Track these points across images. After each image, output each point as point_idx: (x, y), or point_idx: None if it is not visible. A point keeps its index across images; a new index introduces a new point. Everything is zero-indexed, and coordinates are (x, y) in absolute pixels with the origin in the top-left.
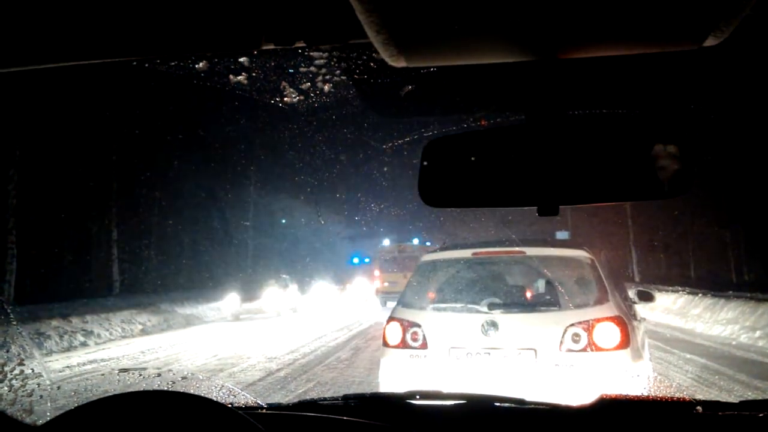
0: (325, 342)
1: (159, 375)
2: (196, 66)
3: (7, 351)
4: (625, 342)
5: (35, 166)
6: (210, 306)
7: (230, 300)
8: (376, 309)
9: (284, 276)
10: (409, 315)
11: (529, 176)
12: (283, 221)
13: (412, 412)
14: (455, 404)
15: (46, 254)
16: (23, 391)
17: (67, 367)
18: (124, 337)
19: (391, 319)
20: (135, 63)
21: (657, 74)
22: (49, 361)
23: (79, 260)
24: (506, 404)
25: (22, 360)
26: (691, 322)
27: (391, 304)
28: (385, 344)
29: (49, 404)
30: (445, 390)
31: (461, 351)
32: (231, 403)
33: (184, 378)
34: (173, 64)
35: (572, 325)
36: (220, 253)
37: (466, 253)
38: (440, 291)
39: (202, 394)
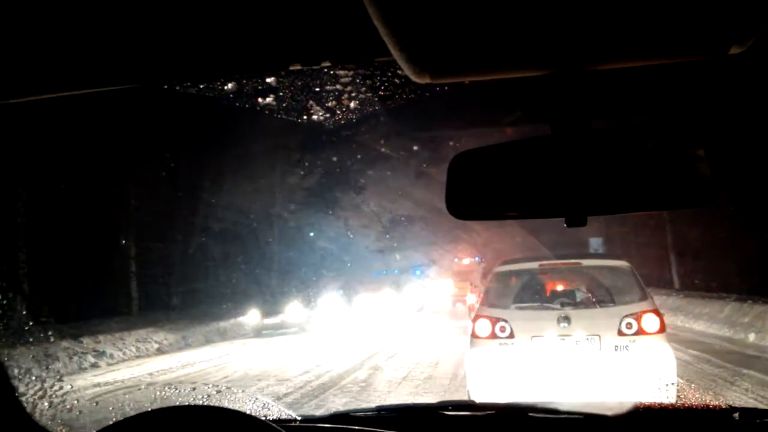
0: (343, 361)
1: (194, 389)
2: (225, 87)
3: (47, 368)
4: (663, 327)
5: (49, 182)
6: (231, 322)
7: (252, 315)
8: (401, 323)
9: (309, 290)
10: (495, 313)
11: (557, 187)
12: (311, 235)
13: (445, 423)
14: (488, 414)
15: (61, 273)
16: (63, 407)
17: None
18: (138, 357)
19: (478, 316)
20: (167, 87)
21: (682, 82)
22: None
23: (96, 278)
24: (540, 414)
25: (61, 376)
26: (740, 332)
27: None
28: (475, 336)
29: (87, 419)
30: (479, 400)
31: (541, 339)
32: (265, 416)
33: (218, 392)
34: (202, 86)
35: (626, 316)
36: (243, 269)
37: (534, 265)
38: (519, 293)
39: (237, 407)
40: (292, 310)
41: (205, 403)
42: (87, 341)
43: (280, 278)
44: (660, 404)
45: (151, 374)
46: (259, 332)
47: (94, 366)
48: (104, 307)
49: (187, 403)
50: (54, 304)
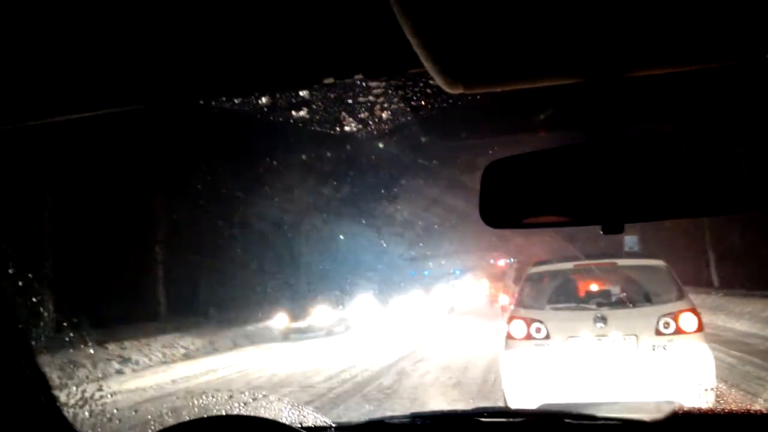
0: (369, 366)
1: (231, 397)
2: (260, 101)
3: (88, 377)
4: (701, 326)
5: (76, 186)
6: (258, 326)
7: (279, 319)
8: (431, 326)
9: (336, 293)
10: (530, 314)
11: (592, 195)
12: (341, 242)
13: (480, 430)
14: (524, 421)
15: (88, 280)
16: (102, 416)
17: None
18: (164, 362)
19: (513, 317)
20: (202, 102)
21: (720, 86)
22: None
23: (123, 284)
24: (576, 420)
25: (101, 386)
26: None
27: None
28: (510, 338)
29: (127, 428)
30: (515, 406)
31: (578, 339)
32: (301, 423)
33: (255, 399)
34: (239, 103)
35: (663, 315)
36: (271, 274)
37: (569, 265)
38: (554, 294)
39: (273, 414)
40: (320, 313)
41: (242, 411)
42: (112, 347)
43: (309, 283)
44: (699, 409)
45: (174, 381)
46: (287, 336)
47: (119, 372)
48: (131, 313)
49: (224, 411)
50: (80, 311)
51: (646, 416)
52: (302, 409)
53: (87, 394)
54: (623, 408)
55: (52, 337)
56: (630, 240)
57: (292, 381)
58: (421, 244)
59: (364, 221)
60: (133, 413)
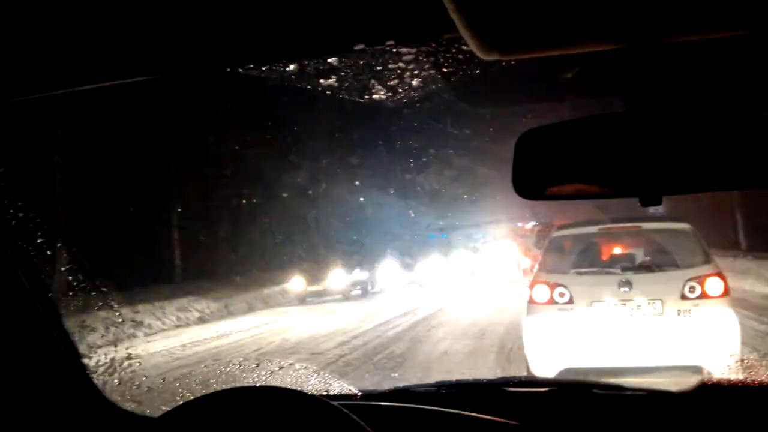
0: (382, 331)
1: (258, 365)
2: (287, 68)
3: (116, 345)
4: (727, 291)
5: (95, 150)
6: (275, 289)
7: (296, 283)
8: (449, 289)
9: (355, 257)
10: (554, 278)
11: (630, 166)
12: (364, 207)
13: (506, 399)
14: (551, 390)
15: (102, 242)
16: (131, 384)
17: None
18: (178, 326)
19: (536, 281)
20: (230, 70)
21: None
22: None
23: (139, 247)
24: (604, 391)
25: (130, 354)
26: None
27: None
28: (533, 302)
29: (156, 396)
30: (541, 376)
31: (602, 304)
32: (327, 391)
33: (281, 368)
34: (265, 68)
35: (689, 279)
36: (290, 238)
37: (593, 229)
38: (577, 258)
39: (300, 383)
40: (337, 277)
41: (269, 380)
42: (125, 311)
43: (328, 248)
44: (729, 380)
45: (184, 346)
46: (303, 300)
47: (132, 336)
48: (147, 276)
49: (251, 381)
50: (93, 273)
51: (673, 387)
52: (327, 376)
53: (116, 362)
54: (650, 382)
55: (62, 299)
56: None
57: (303, 347)
58: (449, 214)
59: (391, 190)
60: (162, 381)
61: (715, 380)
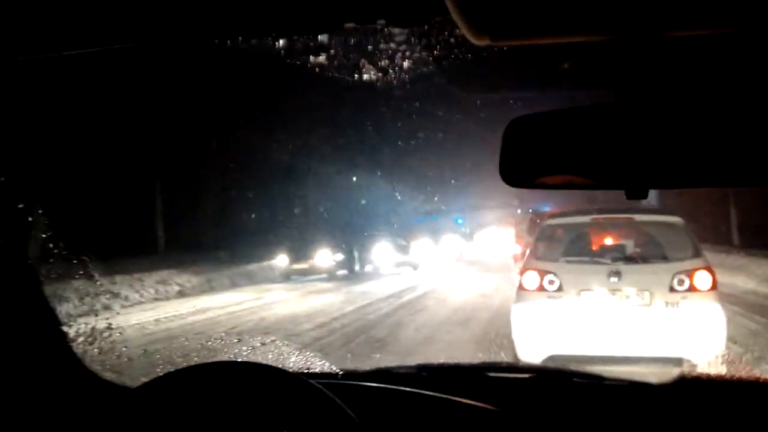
0: (362, 315)
1: (239, 341)
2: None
3: (95, 314)
4: (715, 285)
5: (76, 118)
6: (259, 265)
7: (281, 259)
8: (435, 272)
9: (341, 236)
10: (544, 266)
11: (618, 157)
12: (352, 188)
13: (487, 384)
14: (532, 377)
15: (81, 211)
16: (112, 354)
17: None
18: (156, 299)
19: (526, 269)
20: (217, 42)
21: (759, 49)
22: None
23: (121, 217)
24: (584, 380)
25: (110, 324)
26: None
27: None
28: (522, 289)
29: (136, 367)
30: (523, 363)
31: (591, 293)
32: (308, 369)
33: (263, 344)
34: (253, 42)
35: (678, 272)
36: (276, 214)
37: (585, 219)
38: (568, 247)
39: (281, 360)
40: (322, 256)
41: (249, 356)
42: (102, 281)
43: (314, 226)
44: (708, 375)
45: (157, 320)
46: (287, 277)
47: (107, 308)
48: (129, 247)
49: (232, 356)
50: (70, 242)
51: (654, 378)
52: (309, 355)
53: (96, 332)
54: (630, 374)
55: (40, 266)
56: (650, 193)
57: (280, 327)
58: (436, 198)
59: (378, 172)
60: (142, 352)
61: (695, 374)
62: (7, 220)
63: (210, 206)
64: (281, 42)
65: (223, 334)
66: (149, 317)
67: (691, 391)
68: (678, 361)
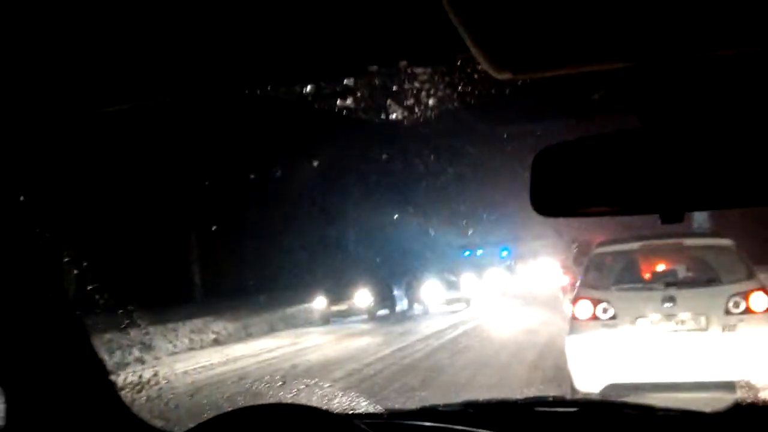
0: (399, 358)
1: (283, 383)
2: (305, 89)
3: (143, 363)
4: None
5: (110, 163)
6: (298, 308)
7: (319, 302)
8: (479, 309)
9: (379, 276)
10: (596, 294)
11: (650, 182)
12: (387, 226)
13: (535, 419)
14: (580, 411)
15: (117, 261)
16: (159, 401)
17: None
18: (191, 349)
19: (578, 298)
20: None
21: None
22: None
23: (156, 267)
24: (635, 411)
25: (157, 372)
26: None
27: None
28: (575, 319)
29: (183, 413)
30: (571, 396)
31: (646, 320)
32: (353, 409)
33: (307, 386)
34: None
35: (733, 295)
36: (314, 258)
37: (634, 245)
38: (620, 274)
39: (326, 401)
40: (362, 296)
41: (295, 398)
42: (134, 333)
43: (352, 267)
44: (765, 401)
45: (185, 372)
46: (327, 319)
47: (138, 361)
48: (165, 296)
49: (277, 398)
50: (104, 294)
51: (706, 407)
52: (354, 395)
53: (144, 380)
54: (683, 402)
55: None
56: (699, 216)
57: (310, 375)
58: (471, 231)
59: (412, 208)
60: (189, 398)
61: (750, 400)
62: (53, 270)
63: (248, 251)
64: (310, 87)
65: (267, 377)
66: (179, 369)
67: (746, 418)
68: (729, 386)
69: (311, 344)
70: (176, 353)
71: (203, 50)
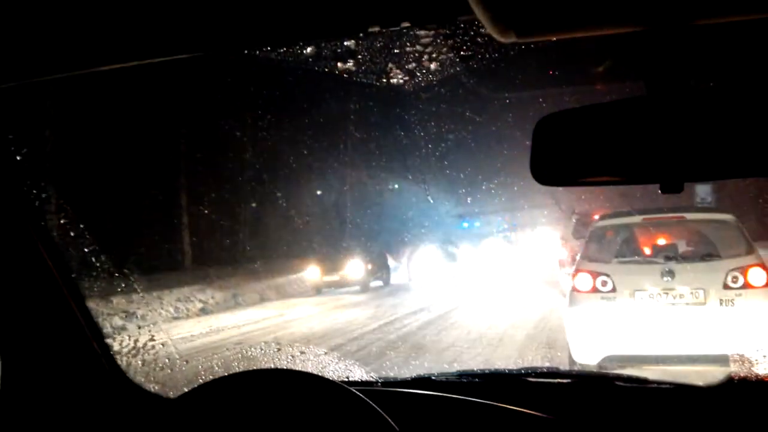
0: (386, 333)
1: (279, 350)
2: (303, 51)
3: (139, 327)
4: None
5: (100, 128)
6: (289, 278)
7: (311, 272)
8: (471, 281)
9: (374, 246)
10: (596, 267)
11: (651, 152)
12: (384, 194)
13: (528, 390)
14: (573, 382)
15: (103, 225)
16: (155, 365)
17: None
18: (176, 318)
19: (578, 270)
20: (247, 51)
21: None
22: None
23: (145, 231)
24: (627, 384)
25: (153, 336)
26: None
27: None
28: (576, 291)
29: (179, 378)
30: (579, 359)
31: (644, 293)
32: (347, 377)
33: (302, 352)
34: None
35: (732, 270)
36: (306, 225)
37: (636, 219)
38: (620, 248)
39: (320, 368)
40: (355, 267)
41: (289, 364)
42: (117, 300)
43: (347, 236)
44: (757, 375)
45: (164, 343)
46: (319, 289)
47: (121, 329)
48: (153, 263)
49: (272, 364)
50: (88, 259)
51: (699, 381)
52: (349, 363)
53: (140, 344)
54: (676, 376)
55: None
56: (702, 190)
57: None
58: (469, 200)
59: (409, 176)
60: (185, 363)
61: (743, 374)
62: (52, 236)
63: (241, 218)
64: (310, 49)
65: (262, 343)
66: (158, 339)
67: (739, 392)
68: (723, 359)
69: (298, 316)
70: (157, 322)
71: (201, 6)
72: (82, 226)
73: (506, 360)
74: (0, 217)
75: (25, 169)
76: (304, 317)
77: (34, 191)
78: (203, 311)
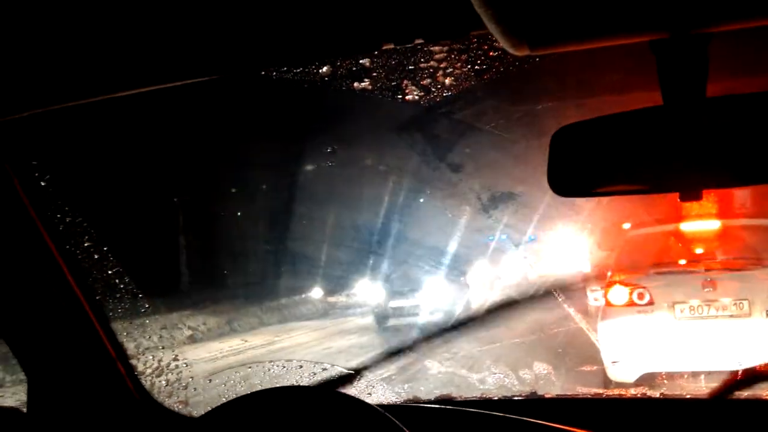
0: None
1: (301, 367)
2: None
3: (162, 348)
4: None
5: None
6: (292, 299)
7: (314, 294)
8: (488, 298)
9: (385, 266)
10: (632, 279)
11: (669, 161)
12: (396, 213)
13: (545, 412)
14: (584, 400)
15: (96, 249)
16: (178, 384)
17: None
18: (159, 347)
19: (612, 283)
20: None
21: None
22: None
23: (139, 253)
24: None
25: (177, 356)
26: None
27: None
28: (609, 305)
29: (202, 396)
30: (615, 377)
31: (684, 305)
32: (369, 394)
33: (324, 369)
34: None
35: None
36: (312, 245)
37: (671, 227)
38: (657, 258)
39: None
40: (363, 288)
41: (311, 381)
42: (139, 321)
43: (356, 256)
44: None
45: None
46: (325, 312)
47: (146, 350)
48: (147, 288)
49: (294, 381)
50: (111, 280)
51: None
52: (372, 383)
53: (164, 364)
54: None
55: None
56: (741, 195)
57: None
58: (489, 215)
59: (424, 194)
60: (208, 382)
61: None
62: (76, 258)
63: (238, 241)
64: (325, 68)
65: (284, 361)
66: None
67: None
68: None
69: (291, 343)
70: (138, 354)
71: (215, 28)
72: (105, 248)
73: (526, 383)
74: (26, 242)
75: (49, 192)
76: (296, 345)
77: (58, 214)
78: (191, 339)
